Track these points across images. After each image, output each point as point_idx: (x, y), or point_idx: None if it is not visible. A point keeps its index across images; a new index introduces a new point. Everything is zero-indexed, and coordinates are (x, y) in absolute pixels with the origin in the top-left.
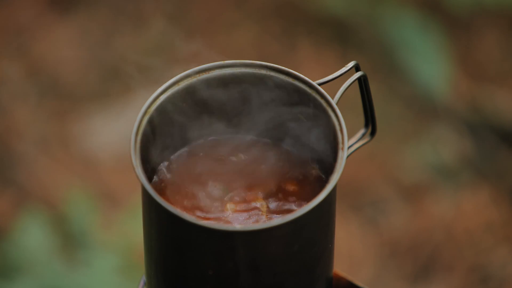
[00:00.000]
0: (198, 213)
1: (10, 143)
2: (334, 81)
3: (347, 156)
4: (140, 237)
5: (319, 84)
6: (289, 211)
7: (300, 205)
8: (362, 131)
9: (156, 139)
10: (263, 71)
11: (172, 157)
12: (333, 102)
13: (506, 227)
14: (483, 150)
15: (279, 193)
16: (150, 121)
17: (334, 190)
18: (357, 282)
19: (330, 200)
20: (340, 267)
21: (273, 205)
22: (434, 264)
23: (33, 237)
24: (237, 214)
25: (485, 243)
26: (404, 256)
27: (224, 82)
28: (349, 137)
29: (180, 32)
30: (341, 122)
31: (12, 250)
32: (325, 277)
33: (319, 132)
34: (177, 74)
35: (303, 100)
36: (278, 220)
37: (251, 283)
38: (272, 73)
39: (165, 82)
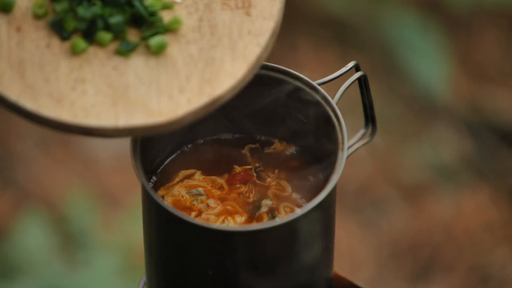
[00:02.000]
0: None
1: (10, 143)
2: (334, 81)
3: (347, 156)
4: (140, 237)
5: (319, 84)
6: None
7: (299, 206)
8: (362, 131)
9: (156, 139)
10: (263, 71)
11: (171, 157)
12: (333, 102)
13: (506, 227)
14: (483, 150)
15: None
16: None
17: (334, 190)
18: (357, 282)
19: (330, 200)
20: (340, 267)
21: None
22: (434, 264)
23: (33, 237)
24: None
25: (485, 243)
26: (404, 256)
27: None
28: (349, 137)
29: None
30: (341, 122)
31: (12, 250)
32: (325, 277)
33: (318, 132)
34: None
35: (303, 100)
36: (278, 220)
37: (251, 283)
38: (272, 73)
39: None
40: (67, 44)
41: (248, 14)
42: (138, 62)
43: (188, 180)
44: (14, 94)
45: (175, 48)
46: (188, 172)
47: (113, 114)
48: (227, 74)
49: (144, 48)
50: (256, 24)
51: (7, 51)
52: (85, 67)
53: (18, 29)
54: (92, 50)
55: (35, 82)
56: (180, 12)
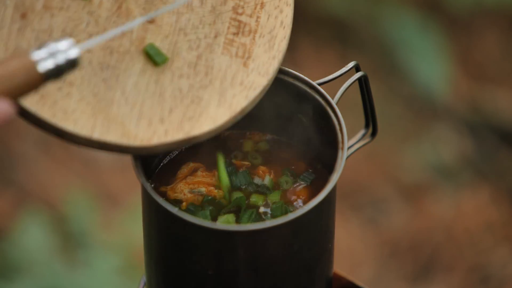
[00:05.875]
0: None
1: (10, 143)
2: (334, 81)
3: (347, 157)
4: (140, 237)
5: (319, 84)
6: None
7: (298, 204)
8: (362, 131)
9: None
10: None
11: (170, 156)
12: (333, 102)
13: (506, 227)
14: (483, 150)
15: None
16: None
17: (333, 190)
18: (357, 282)
19: (330, 200)
20: (340, 267)
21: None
22: (434, 264)
23: (33, 237)
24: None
25: (485, 243)
26: (404, 256)
27: None
28: (349, 137)
29: None
30: (341, 122)
31: (12, 250)
32: (325, 277)
33: (318, 132)
34: None
35: (303, 100)
36: (278, 220)
37: (251, 283)
38: None
39: None
40: None
41: (245, 65)
42: (128, 82)
43: (191, 177)
44: None
45: (167, 78)
46: (192, 165)
47: (91, 124)
48: (209, 118)
49: (139, 69)
50: (250, 77)
51: (7, 34)
52: (77, 71)
53: (23, 16)
54: (88, 56)
55: None
56: (181, 45)
